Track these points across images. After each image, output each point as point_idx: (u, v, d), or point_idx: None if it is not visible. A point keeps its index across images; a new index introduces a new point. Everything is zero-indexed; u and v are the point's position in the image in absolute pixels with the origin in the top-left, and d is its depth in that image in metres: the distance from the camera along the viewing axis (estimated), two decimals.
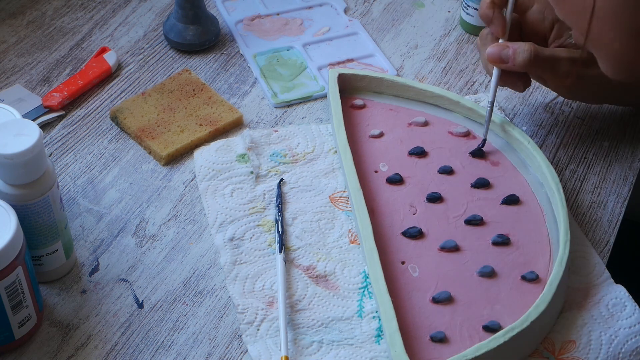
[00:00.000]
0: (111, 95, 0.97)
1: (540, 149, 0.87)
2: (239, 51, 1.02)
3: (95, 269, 0.80)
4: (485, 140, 0.87)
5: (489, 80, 0.99)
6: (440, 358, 0.72)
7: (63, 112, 0.95)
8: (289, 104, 0.96)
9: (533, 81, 0.99)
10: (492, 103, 0.86)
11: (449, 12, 1.09)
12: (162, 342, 0.76)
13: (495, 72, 0.86)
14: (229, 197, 0.85)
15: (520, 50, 0.84)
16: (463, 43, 1.05)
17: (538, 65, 0.85)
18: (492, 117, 0.89)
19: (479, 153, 0.87)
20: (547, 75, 0.87)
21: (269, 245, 0.82)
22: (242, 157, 0.89)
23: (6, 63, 1.00)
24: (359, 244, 0.81)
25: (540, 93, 0.98)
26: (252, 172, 0.87)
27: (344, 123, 0.88)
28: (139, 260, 0.81)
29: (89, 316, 0.77)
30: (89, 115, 0.95)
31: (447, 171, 0.87)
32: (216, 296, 0.79)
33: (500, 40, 0.86)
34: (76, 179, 0.88)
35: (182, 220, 0.85)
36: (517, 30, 0.88)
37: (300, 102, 0.96)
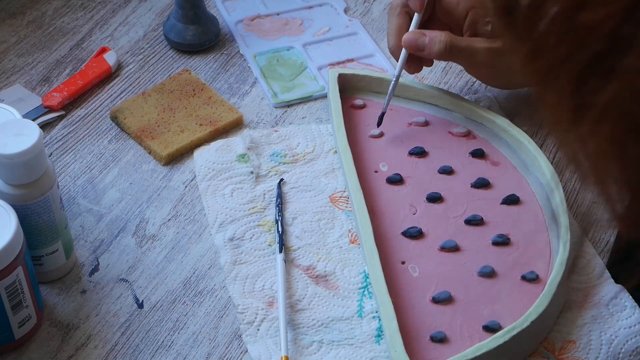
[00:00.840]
0: (111, 95, 0.97)
1: (541, 149, 0.87)
2: (239, 51, 1.02)
3: (95, 269, 0.80)
4: (383, 113, 0.89)
5: None
6: (440, 358, 0.72)
7: (63, 112, 0.94)
8: (289, 104, 0.96)
9: None
10: (398, 77, 0.88)
11: None
12: (162, 342, 0.76)
13: (403, 52, 0.88)
14: (229, 197, 0.85)
15: (437, 40, 0.86)
16: None
17: (453, 56, 0.87)
18: (493, 117, 0.89)
19: (380, 124, 0.89)
20: (462, 64, 0.90)
21: (269, 245, 0.82)
22: (242, 157, 0.89)
23: (6, 63, 1.00)
24: (359, 244, 0.81)
25: None
26: (252, 172, 0.87)
27: (344, 123, 0.88)
28: (139, 260, 0.81)
29: (89, 316, 0.77)
30: (89, 115, 0.95)
31: (447, 171, 0.86)
32: (216, 296, 0.79)
33: (416, 16, 0.88)
34: (76, 179, 0.88)
35: (182, 220, 0.85)
36: (431, 8, 0.90)
37: (300, 102, 0.96)
